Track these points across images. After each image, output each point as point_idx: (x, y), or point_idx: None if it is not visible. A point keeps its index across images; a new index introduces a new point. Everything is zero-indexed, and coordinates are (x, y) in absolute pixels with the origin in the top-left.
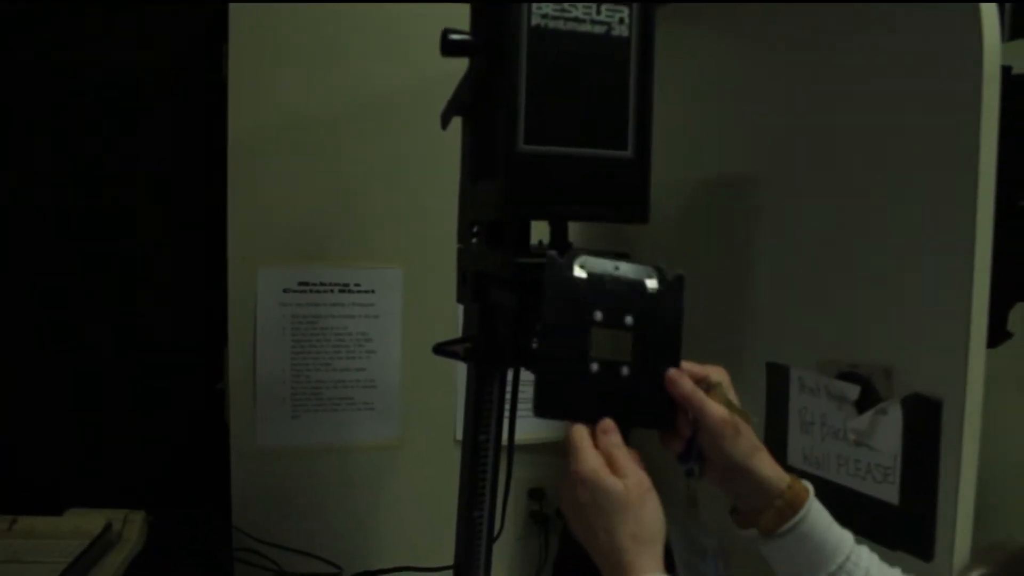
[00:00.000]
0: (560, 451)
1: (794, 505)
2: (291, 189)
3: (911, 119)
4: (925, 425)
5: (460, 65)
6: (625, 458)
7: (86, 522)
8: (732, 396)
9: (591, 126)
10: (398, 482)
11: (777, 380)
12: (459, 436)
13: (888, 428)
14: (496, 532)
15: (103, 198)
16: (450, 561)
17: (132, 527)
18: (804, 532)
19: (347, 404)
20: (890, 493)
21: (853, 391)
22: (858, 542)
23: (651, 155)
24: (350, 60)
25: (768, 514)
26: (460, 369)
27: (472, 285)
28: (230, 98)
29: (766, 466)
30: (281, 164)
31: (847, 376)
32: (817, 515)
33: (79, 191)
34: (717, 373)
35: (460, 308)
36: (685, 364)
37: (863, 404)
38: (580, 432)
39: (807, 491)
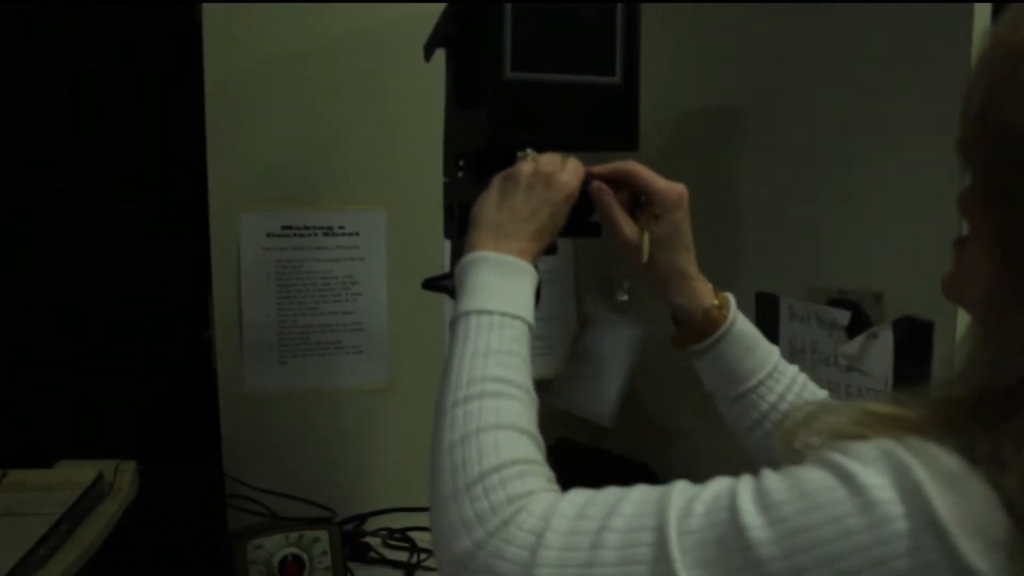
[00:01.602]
0: (547, 389)
1: (724, 310)
2: (271, 132)
3: (899, 48)
4: (916, 347)
5: (435, 2)
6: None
7: (77, 473)
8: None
9: (578, 52)
10: (388, 424)
11: (767, 309)
12: None
13: (879, 351)
14: None
15: (81, 145)
16: None
17: (124, 476)
18: (736, 334)
19: (335, 348)
20: None
21: (844, 316)
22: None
23: (639, 82)
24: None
25: (703, 320)
26: (447, 310)
27: (459, 219)
28: (205, 42)
29: (699, 275)
30: (260, 107)
31: (837, 302)
32: (745, 322)
33: (58, 138)
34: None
35: (446, 248)
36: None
37: (854, 329)
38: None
39: (730, 298)
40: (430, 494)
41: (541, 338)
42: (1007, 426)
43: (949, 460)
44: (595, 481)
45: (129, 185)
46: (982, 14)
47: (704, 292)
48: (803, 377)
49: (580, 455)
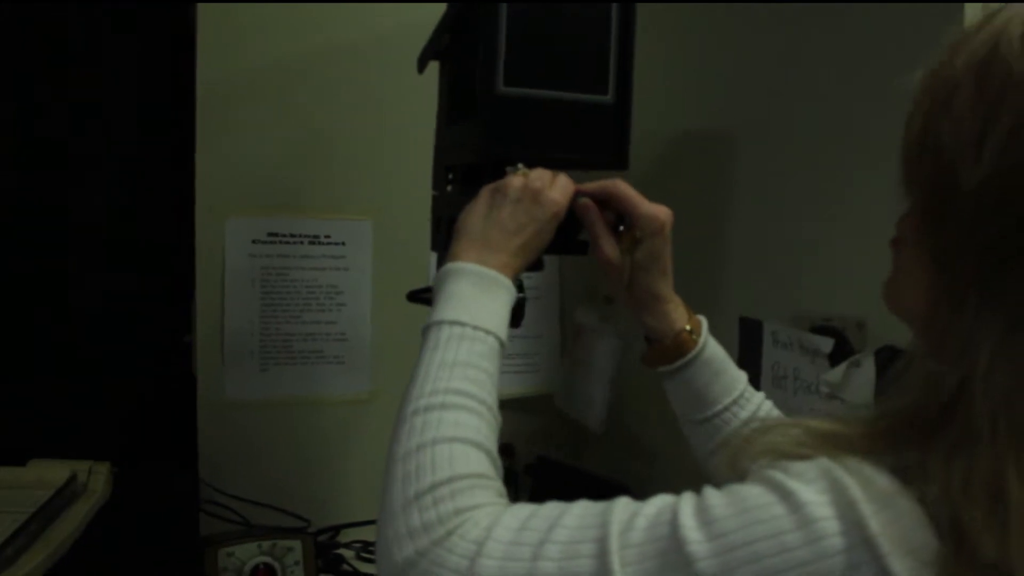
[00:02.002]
0: (528, 407)
1: (695, 335)
2: (261, 139)
3: (885, 74)
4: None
5: (430, 14)
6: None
7: (50, 473)
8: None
9: (572, 69)
10: (368, 437)
11: (750, 334)
12: None
13: (861, 380)
14: None
15: (68, 144)
16: None
17: (97, 478)
18: (705, 359)
19: (317, 357)
20: None
21: (827, 344)
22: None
23: (632, 101)
24: (321, 8)
25: (673, 343)
26: None
27: (447, 232)
28: (199, 46)
29: (674, 299)
30: (251, 113)
31: (821, 330)
32: (714, 347)
33: (42, 136)
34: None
35: (432, 260)
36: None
37: (836, 357)
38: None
39: (703, 323)
40: (380, 501)
41: (525, 355)
42: (937, 440)
43: (882, 480)
44: (572, 499)
45: (116, 184)
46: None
47: (677, 316)
48: (769, 404)
49: (558, 474)
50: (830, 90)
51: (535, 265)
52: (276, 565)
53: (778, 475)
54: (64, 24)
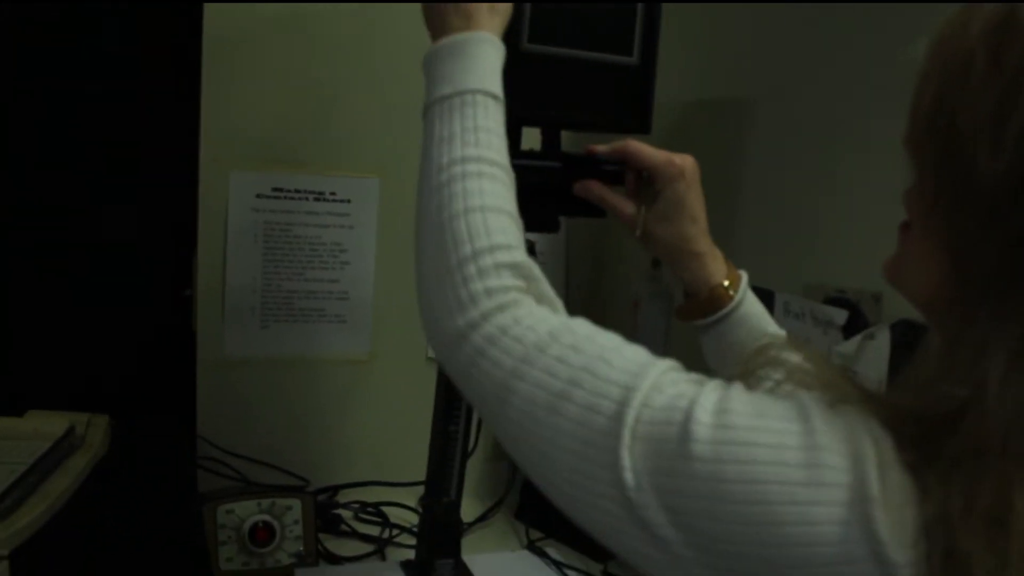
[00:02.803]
0: None
1: (732, 289)
2: (267, 92)
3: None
4: (913, 350)
5: None
6: None
7: (48, 424)
8: None
9: (597, 29)
10: (367, 397)
11: (762, 304)
12: (431, 353)
13: (875, 353)
14: (471, 448)
15: (70, 96)
16: (418, 477)
17: (96, 431)
18: (741, 315)
19: (318, 316)
20: None
21: (841, 316)
22: None
23: (656, 64)
24: None
25: (708, 297)
26: None
27: None
28: None
29: (711, 250)
30: (258, 66)
31: (834, 301)
32: (752, 303)
33: (45, 92)
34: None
35: None
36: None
37: (850, 329)
38: None
39: (742, 277)
40: (417, 273)
41: None
42: (938, 454)
43: (895, 456)
44: None
45: (118, 135)
46: None
47: (714, 269)
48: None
49: None
50: (850, 60)
51: (550, 226)
52: (275, 523)
53: (810, 402)
54: None
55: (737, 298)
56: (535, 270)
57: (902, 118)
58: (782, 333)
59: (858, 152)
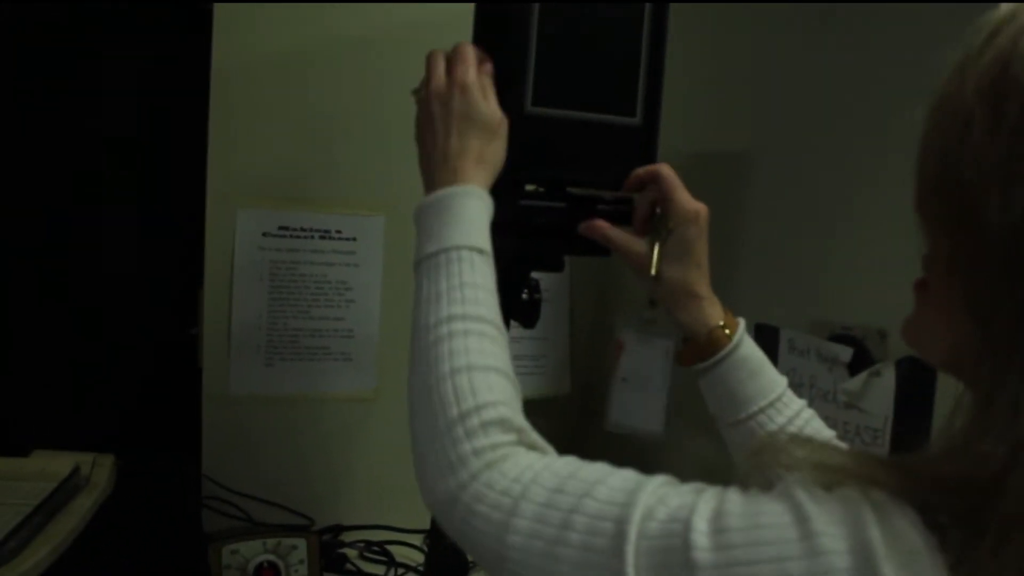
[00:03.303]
0: (536, 410)
1: (730, 332)
2: (274, 130)
3: (897, 87)
4: (919, 387)
5: (446, 7)
6: (493, 95)
7: (53, 464)
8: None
9: (600, 91)
10: (372, 434)
11: (767, 341)
12: None
13: (880, 390)
14: None
15: (77, 133)
16: (423, 513)
17: (101, 471)
18: (740, 358)
19: (323, 353)
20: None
21: (846, 353)
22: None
23: (659, 124)
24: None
25: (706, 340)
26: None
27: None
28: (214, 35)
29: (710, 296)
30: (265, 104)
31: (840, 338)
32: (751, 347)
33: (53, 122)
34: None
35: None
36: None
37: (856, 366)
38: (465, 47)
39: (740, 323)
40: (412, 434)
41: (534, 357)
42: (985, 520)
43: (912, 532)
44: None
45: (126, 172)
46: None
47: (712, 313)
48: (809, 412)
49: None
50: (851, 87)
51: (554, 266)
52: (280, 563)
53: (801, 495)
54: (79, 9)
55: (736, 339)
56: (524, 421)
57: (904, 154)
58: (782, 380)
59: (862, 190)
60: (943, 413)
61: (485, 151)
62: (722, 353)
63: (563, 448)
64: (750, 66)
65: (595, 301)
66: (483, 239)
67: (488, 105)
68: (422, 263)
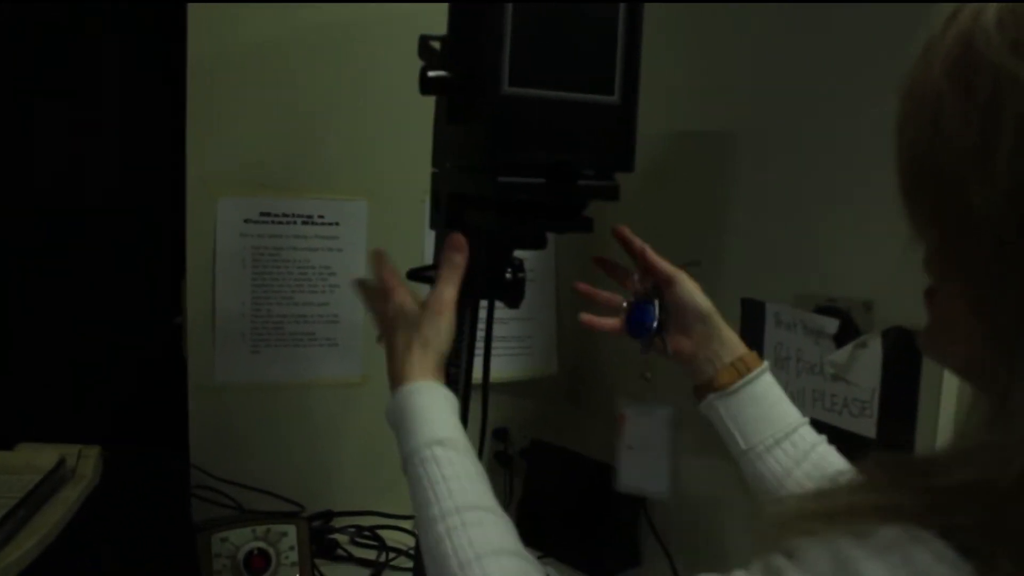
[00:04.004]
0: (523, 391)
1: (750, 366)
2: (254, 118)
3: (880, 63)
4: (905, 357)
5: None
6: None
7: (38, 457)
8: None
9: (578, 70)
10: (360, 420)
11: (752, 316)
12: None
13: (867, 361)
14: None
15: (56, 125)
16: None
17: (87, 462)
18: (758, 392)
19: (309, 340)
20: (867, 427)
21: (832, 325)
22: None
23: (638, 102)
24: None
25: (726, 370)
26: None
27: (447, 210)
28: (189, 23)
29: (725, 326)
30: (243, 91)
31: (825, 310)
32: (770, 384)
33: (35, 114)
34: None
35: (428, 242)
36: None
37: (842, 338)
38: (390, 273)
39: (761, 359)
40: None
41: (520, 338)
42: (1007, 525)
43: (937, 567)
44: (567, 481)
45: (105, 164)
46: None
47: (736, 342)
48: (826, 448)
49: (552, 457)
50: (836, 61)
51: (537, 243)
52: (271, 550)
53: (779, 561)
54: (54, 3)
55: (764, 366)
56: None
57: (886, 128)
58: (799, 416)
59: (845, 164)
60: (930, 382)
61: (427, 335)
62: (755, 373)
63: (549, 429)
64: (732, 44)
65: (581, 281)
66: (443, 427)
67: (411, 305)
68: (405, 464)
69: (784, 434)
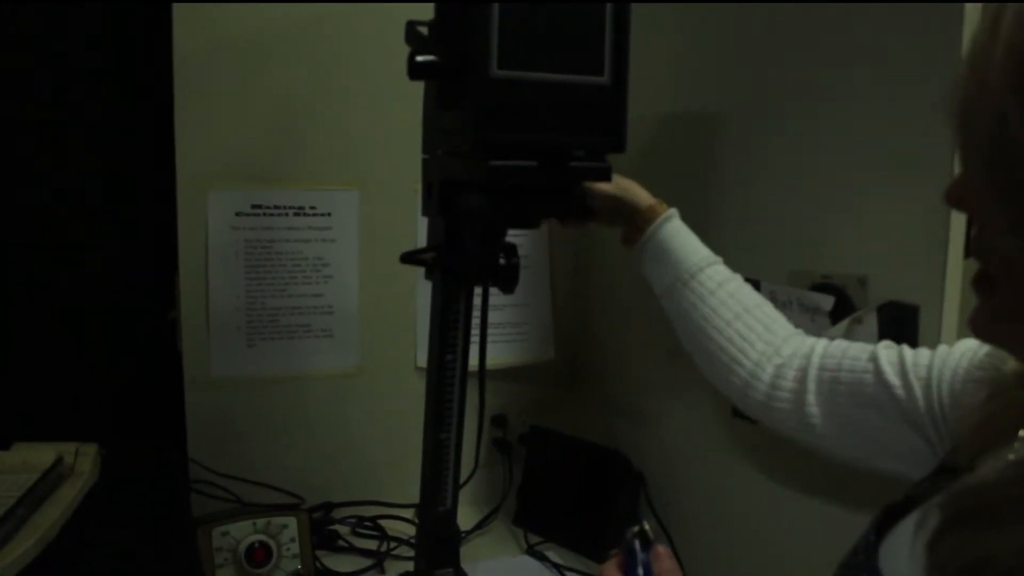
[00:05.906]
0: (520, 377)
1: (650, 218)
2: (242, 110)
3: (869, 39)
4: (902, 332)
5: None
6: None
7: (35, 456)
8: None
9: (567, 51)
10: (358, 410)
11: None
12: (420, 363)
13: (864, 337)
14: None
15: (44, 119)
16: (412, 487)
17: (85, 460)
18: (662, 238)
19: (304, 331)
20: None
21: (827, 301)
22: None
23: (628, 82)
24: None
25: (632, 228)
26: (420, 294)
27: (439, 196)
28: (175, 12)
29: (635, 191)
30: (231, 83)
31: (820, 287)
32: (676, 230)
33: (22, 108)
34: None
35: (421, 230)
36: None
37: (837, 314)
38: None
39: (665, 207)
40: None
41: (516, 324)
42: None
43: None
44: (567, 466)
45: (95, 160)
46: (972, 16)
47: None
48: (736, 284)
49: (551, 442)
50: (829, 47)
51: (531, 223)
52: (272, 543)
53: None
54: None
55: (667, 214)
56: None
57: (885, 102)
58: (712, 257)
59: (836, 141)
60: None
61: None
62: (664, 216)
63: (547, 415)
64: (722, 24)
65: (575, 266)
66: None
67: None
68: None
69: (690, 274)
